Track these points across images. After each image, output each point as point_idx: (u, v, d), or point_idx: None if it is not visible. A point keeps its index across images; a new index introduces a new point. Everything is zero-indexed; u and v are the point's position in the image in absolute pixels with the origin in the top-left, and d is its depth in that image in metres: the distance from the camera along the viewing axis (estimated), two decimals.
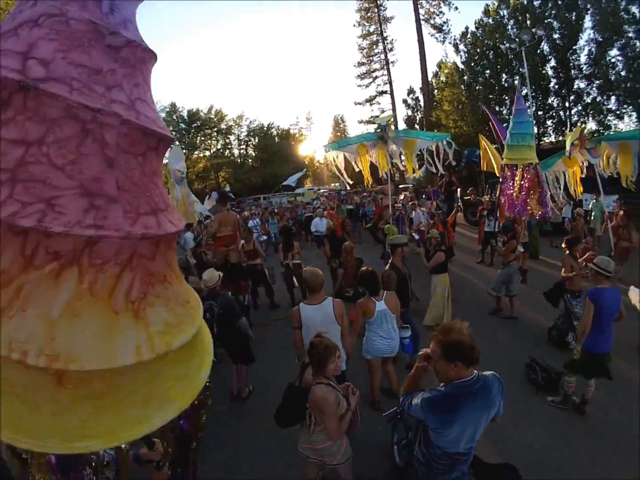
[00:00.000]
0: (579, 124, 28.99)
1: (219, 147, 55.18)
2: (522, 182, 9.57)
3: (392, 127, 12.41)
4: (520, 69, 29.06)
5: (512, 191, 10.04)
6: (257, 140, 55.71)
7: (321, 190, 41.31)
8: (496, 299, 9.58)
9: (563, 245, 7.99)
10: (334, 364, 3.73)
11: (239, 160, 55.01)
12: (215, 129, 53.97)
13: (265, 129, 56.48)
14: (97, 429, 1.23)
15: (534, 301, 9.91)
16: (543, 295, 8.28)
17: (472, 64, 34.86)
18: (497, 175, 12.19)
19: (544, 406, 6.04)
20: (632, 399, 5.89)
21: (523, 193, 9.70)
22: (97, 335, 1.21)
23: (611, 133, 23.55)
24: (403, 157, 12.33)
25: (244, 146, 56.51)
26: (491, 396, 3.01)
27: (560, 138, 27.65)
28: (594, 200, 15.18)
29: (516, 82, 29.84)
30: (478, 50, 34.15)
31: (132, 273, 1.30)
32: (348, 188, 27.21)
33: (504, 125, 17.22)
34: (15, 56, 1.17)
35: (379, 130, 10.98)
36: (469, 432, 3.00)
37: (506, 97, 32.48)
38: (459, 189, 22.31)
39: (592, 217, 15.04)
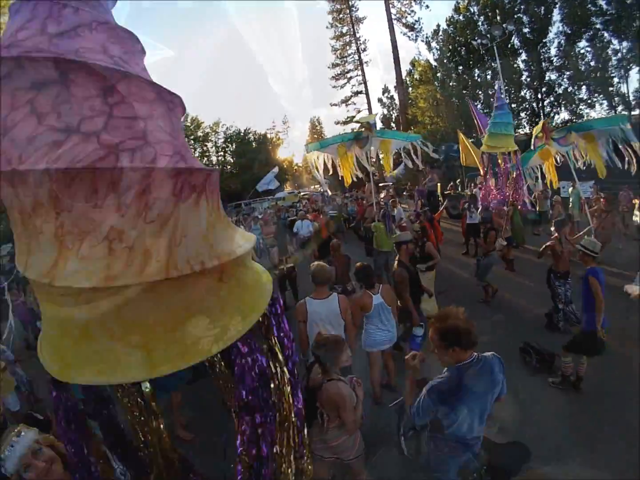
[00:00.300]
0: (551, 114, 29.57)
1: (196, 155, 54.56)
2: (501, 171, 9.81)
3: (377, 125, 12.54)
4: (493, 64, 29.50)
5: (489, 183, 10.30)
6: (234, 147, 55.24)
7: (302, 193, 41.26)
8: (484, 288, 9.79)
9: (552, 229, 8.20)
10: (345, 353, 3.83)
11: (217, 168, 54.45)
12: (192, 137, 53.37)
13: (242, 134, 56.12)
14: (246, 307, 1.64)
15: (521, 288, 10.16)
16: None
17: (445, 61, 35.26)
18: (479, 167, 12.44)
19: (541, 387, 6.20)
20: (627, 377, 6.06)
21: (500, 183, 9.97)
22: (228, 236, 1.67)
23: (580, 122, 24.03)
24: (381, 156, 12.51)
25: (221, 153, 55.97)
26: (493, 375, 3.13)
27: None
28: (571, 188, 15.48)
29: (496, 83, 30.18)
30: (450, 47, 34.56)
31: (218, 196, 1.67)
32: (329, 193, 27.24)
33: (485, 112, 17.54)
34: (101, 54, 1.40)
35: (362, 129, 11.09)
36: (476, 414, 3.10)
37: (480, 92, 32.88)
38: (439, 184, 22.51)
39: (570, 204, 15.34)
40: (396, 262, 7.33)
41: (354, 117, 47.41)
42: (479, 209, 13.28)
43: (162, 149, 1.40)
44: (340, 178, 12.35)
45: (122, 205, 1.32)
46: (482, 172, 10.75)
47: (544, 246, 7.94)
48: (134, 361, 1.38)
